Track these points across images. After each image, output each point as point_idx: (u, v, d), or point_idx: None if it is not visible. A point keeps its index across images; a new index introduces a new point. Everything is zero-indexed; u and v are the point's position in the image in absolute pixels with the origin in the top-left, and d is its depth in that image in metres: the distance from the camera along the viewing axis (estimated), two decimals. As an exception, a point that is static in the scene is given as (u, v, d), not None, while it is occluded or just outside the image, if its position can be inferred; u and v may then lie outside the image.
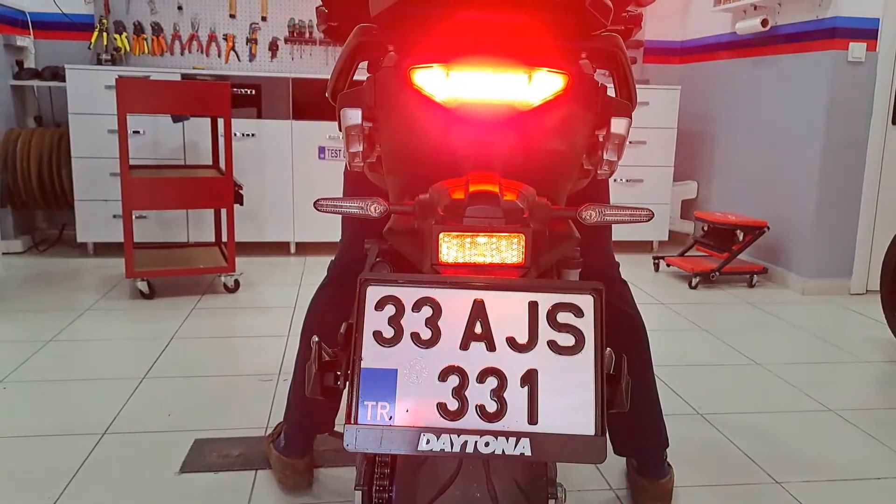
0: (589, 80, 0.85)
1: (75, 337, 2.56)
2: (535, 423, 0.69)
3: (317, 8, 1.42)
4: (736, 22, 3.84)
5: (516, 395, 0.70)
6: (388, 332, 0.71)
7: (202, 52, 4.18)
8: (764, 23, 3.60)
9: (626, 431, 1.56)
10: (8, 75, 3.85)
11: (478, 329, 0.71)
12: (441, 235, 0.74)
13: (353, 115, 0.87)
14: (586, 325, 0.72)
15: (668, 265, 3.75)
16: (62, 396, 2.06)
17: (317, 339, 1.10)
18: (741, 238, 3.55)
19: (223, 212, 3.53)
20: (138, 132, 3.67)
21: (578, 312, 0.72)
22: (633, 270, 3.84)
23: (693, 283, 3.50)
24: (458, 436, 0.69)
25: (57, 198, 3.83)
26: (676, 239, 4.43)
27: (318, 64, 4.28)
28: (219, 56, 4.20)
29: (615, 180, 4.12)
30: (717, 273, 3.50)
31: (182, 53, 4.16)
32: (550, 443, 0.69)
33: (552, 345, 0.71)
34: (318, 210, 0.79)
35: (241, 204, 3.15)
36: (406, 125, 0.87)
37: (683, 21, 4.56)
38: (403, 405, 0.70)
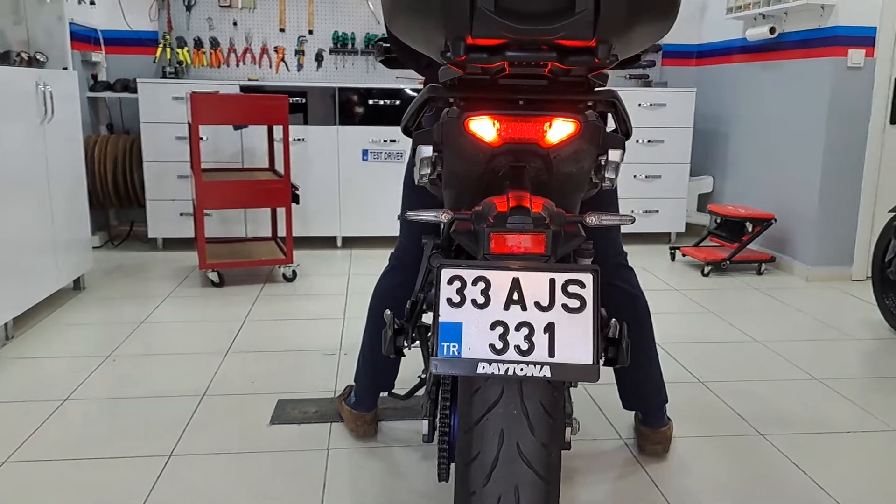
0: (592, 125, 1.21)
1: (162, 319, 2.98)
2: (554, 357, 1.06)
3: (377, 41, 1.82)
4: (747, 29, 4.14)
5: (541, 339, 1.07)
6: (456, 299, 1.08)
7: (255, 63, 4.58)
8: (772, 30, 3.90)
9: (631, 389, 1.93)
10: (84, 88, 4.29)
11: (515, 296, 1.08)
12: (491, 235, 1.11)
13: (426, 150, 1.24)
14: (587, 293, 1.08)
15: (684, 255, 4.08)
16: (163, 367, 2.48)
17: (389, 312, 1.50)
18: (750, 229, 3.86)
19: (279, 209, 3.95)
20: (202, 138, 4.09)
21: (582, 285, 1.08)
22: (651, 260, 4.17)
23: (705, 272, 3.83)
24: (503, 364, 1.06)
25: (129, 198, 4.28)
26: (693, 231, 4.74)
27: (360, 73, 4.67)
28: (270, 67, 4.61)
29: (635, 176, 4.44)
30: (728, 262, 3.82)
31: (237, 65, 4.57)
32: (563, 368, 1.06)
33: (564, 307, 1.08)
34: (408, 219, 1.16)
35: (298, 203, 3.55)
36: (463, 157, 1.24)
37: (699, 27, 4.86)
38: (466, 345, 1.07)
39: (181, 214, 4.17)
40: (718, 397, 2.31)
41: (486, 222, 1.12)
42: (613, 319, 1.64)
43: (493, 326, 1.08)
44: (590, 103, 1.27)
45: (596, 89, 1.26)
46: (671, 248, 4.19)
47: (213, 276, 3.45)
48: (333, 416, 2.11)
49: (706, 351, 2.72)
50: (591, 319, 1.08)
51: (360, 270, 3.81)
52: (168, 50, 4.46)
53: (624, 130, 1.39)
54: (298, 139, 4.19)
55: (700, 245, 4.14)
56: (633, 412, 2.04)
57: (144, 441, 1.95)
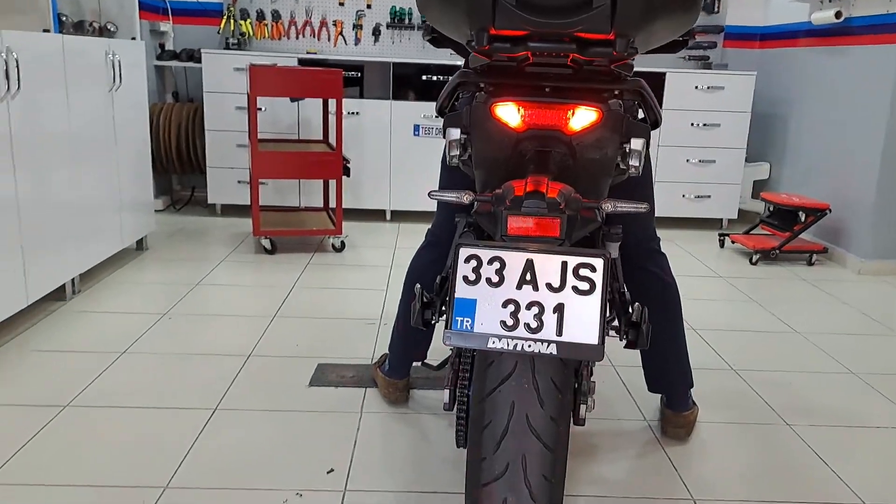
0: (615, 114, 1.25)
1: (216, 282, 3.14)
2: (561, 335, 1.12)
3: (425, 21, 1.87)
4: (812, 12, 4.02)
5: (550, 318, 1.12)
6: (472, 276, 1.15)
7: (314, 36, 4.69)
8: (838, 14, 3.78)
9: (657, 373, 1.96)
10: (152, 56, 4.47)
11: (528, 277, 1.14)
12: (508, 217, 1.17)
13: (454, 133, 1.30)
14: (597, 277, 1.13)
15: (733, 242, 4.03)
16: (214, 327, 2.62)
17: (419, 286, 1.58)
18: (803, 219, 3.79)
19: (331, 181, 4.06)
20: (260, 109, 4.23)
21: (593, 269, 1.13)
22: (699, 245, 4.14)
23: (753, 260, 3.78)
24: (512, 340, 1.12)
25: (191, 164, 4.46)
26: (747, 218, 4.67)
27: (415, 48, 4.72)
28: (328, 40, 4.70)
29: (687, 160, 4.40)
30: (778, 251, 3.76)
31: (297, 38, 4.68)
32: (569, 346, 1.11)
33: (575, 289, 1.13)
34: (430, 198, 1.23)
35: (349, 176, 3.65)
36: (489, 141, 1.29)
37: (764, 8, 4.73)
38: (479, 320, 1.13)
39: (239, 182, 4.33)
40: (749, 386, 2.32)
41: (503, 205, 1.18)
42: (637, 303, 1.69)
43: (505, 304, 1.14)
44: (616, 92, 1.31)
45: (623, 79, 1.29)
46: (720, 235, 4.14)
47: (266, 242, 3.60)
48: (368, 381, 2.22)
49: (743, 340, 2.72)
50: (598, 302, 1.13)
51: (406, 244, 3.91)
52: (232, 21, 4.60)
53: (652, 119, 1.42)
54: (353, 112, 4.28)
55: (750, 233, 4.08)
56: (660, 395, 2.08)
57: (192, 395, 2.09)
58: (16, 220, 2.40)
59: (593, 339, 1.12)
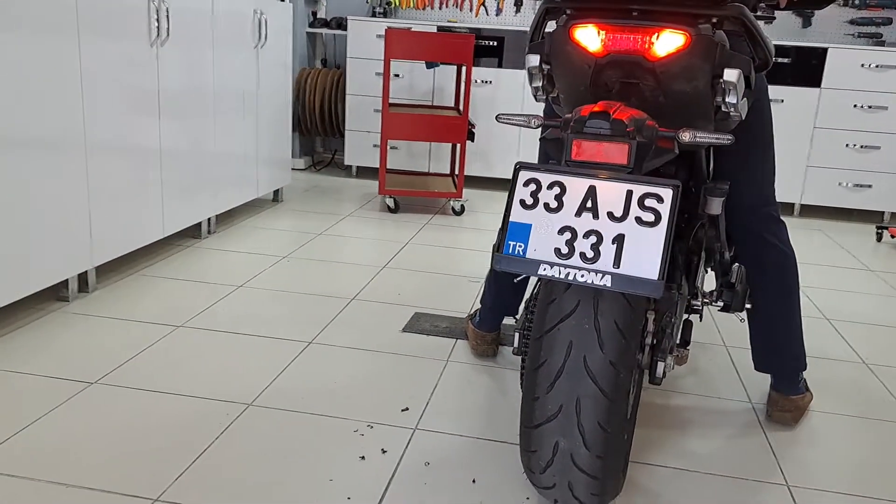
0: (705, 39, 1.14)
1: (338, 233, 3.26)
2: (618, 268, 1.05)
3: None
4: None
5: (608, 249, 1.06)
6: (529, 200, 1.10)
7: (457, 6, 4.71)
8: None
9: (764, 349, 1.80)
10: (305, 24, 4.70)
11: (588, 204, 1.07)
12: (573, 141, 1.11)
13: (533, 59, 1.26)
14: (664, 208, 1.05)
15: (892, 236, 3.63)
16: (326, 271, 2.72)
17: None
18: (981, 215, 3.34)
19: (458, 146, 4.08)
20: (398, 75, 4.33)
21: (660, 200, 1.05)
22: (852, 238, 3.76)
23: (913, 256, 3.39)
24: (565, 268, 1.07)
25: (333, 127, 4.65)
26: (915, 213, 4.18)
27: (558, 18, 4.62)
28: (470, 10, 4.71)
29: (847, 145, 4.00)
30: (945, 249, 3.34)
31: (441, 8, 4.73)
32: (625, 279, 1.04)
33: (638, 220, 1.05)
34: (498, 121, 1.19)
35: (472, 140, 3.65)
36: (570, 69, 1.23)
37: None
38: (532, 246, 1.09)
39: (374, 146, 4.46)
40: (880, 380, 2.08)
41: (569, 128, 1.12)
42: (737, 264, 1.56)
43: (561, 231, 1.09)
44: (713, 20, 1.20)
45: (720, 3, 1.18)
46: (878, 228, 3.74)
47: (390, 201, 3.68)
48: (460, 333, 2.21)
49: (881, 334, 2.45)
50: (663, 235, 1.05)
51: (530, 214, 3.85)
52: (379, -10, 4.73)
53: (761, 56, 1.30)
54: (487, 81, 4.27)
55: (915, 228, 3.65)
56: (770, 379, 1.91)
57: (293, 328, 2.19)
58: (157, 162, 2.61)
59: (653, 273, 1.05)
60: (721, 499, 1.49)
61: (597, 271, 1.06)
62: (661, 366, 1.39)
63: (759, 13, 2.18)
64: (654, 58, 1.17)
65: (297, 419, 1.68)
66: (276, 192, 3.76)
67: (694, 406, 1.88)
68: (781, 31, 4.38)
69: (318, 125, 4.64)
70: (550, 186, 1.10)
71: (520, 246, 1.10)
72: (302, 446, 1.57)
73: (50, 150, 2.06)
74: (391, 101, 4.24)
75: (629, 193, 1.07)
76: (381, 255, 2.96)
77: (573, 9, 1.22)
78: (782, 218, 1.77)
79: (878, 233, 3.74)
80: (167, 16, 2.55)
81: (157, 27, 2.51)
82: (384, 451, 1.58)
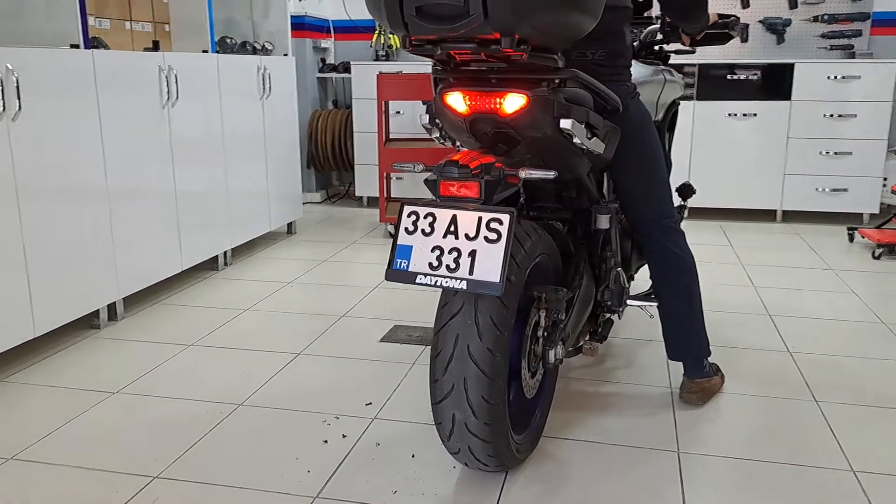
0: (542, 97, 1.49)
1: (340, 259, 3.65)
2: (472, 275, 1.40)
3: None
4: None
5: (465, 261, 1.41)
6: (411, 228, 1.46)
7: (453, 44, 5.10)
8: None
9: (672, 340, 2.11)
10: (315, 70, 5.16)
11: (451, 228, 1.43)
12: (440, 182, 1.47)
13: (426, 118, 1.63)
14: (504, 229, 1.39)
15: (863, 237, 3.84)
16: (324, 293, 3.11)
17: None
18: (939, 212, 3.53)
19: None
20: (399, 112, 4.73)
21: (500, 223, 1.40)
22: (826, 239, 3.98)
23: (876, 254, 3.60)
24: (434, 277, 1.42)
25: (344, 162, 5.08)
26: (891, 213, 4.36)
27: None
28: (466, 47, 5.09)
29: (820, 152, 4.23)
30: (906, 246, 3.55)
31: (437, 47, 5.12)
32: (477, 283, 1.39)
33: (486, 238, 1.40)
34: (392, 169, 1.57)
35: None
36: (450, 125, 1.60)
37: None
38: (413, 262, 1.44)
39: (381, 177, 4.86)
40: (797, 366, 2.35)
41: (438, 173, 1.48)
42: (620, 270, 1.90)
43: (433, 249, 1.45)
44: (557, 81, 1.55)
45: (556, 69, 1.52)
46: (849, 229, 3.95)
47: (391, 228, 4.07)
48: (430, 341, 2.56)
49: (817, 326, 2.70)
50: (503, 249, 1.39)
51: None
52: (381, 36, 5.16)
53: (611, 103, 1.64)
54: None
55: (883, 227, 3.85)
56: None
57: (285, 342, 2.57)
58: (173, 204, 3.05)
59: (495, 277, 1.39)
60: (615, 464, 1.80)
61: (457, 278, 1.41)
62: (551, 353, 1.73)
63: (674, 49, 2.52)
64: (504, 115, 1.52)
65: (278, 415, 2.05)
66: (289, 225, 4.18)
67: (619, 392, 2.19)
68: (756, 48, 4.65)
69: (329, 161, 5.07)
70: (426, 216, 1.46)
71: (404, 262, 1.46)
72: (278, 434, 1.94)
73: (76, 198, 2.51)
74: (393, 135, 4.64)
75: (479, 219, 1.42)
76: (375, 277, 3.33)
77: (446, 78, 1.58)
78: (685, 225, 2.09)
79: (849, 234, 3.95)
80: (175, 80, 3.00)
81: (168, 90, 2.95)
82: (344, 436, 1.94)
